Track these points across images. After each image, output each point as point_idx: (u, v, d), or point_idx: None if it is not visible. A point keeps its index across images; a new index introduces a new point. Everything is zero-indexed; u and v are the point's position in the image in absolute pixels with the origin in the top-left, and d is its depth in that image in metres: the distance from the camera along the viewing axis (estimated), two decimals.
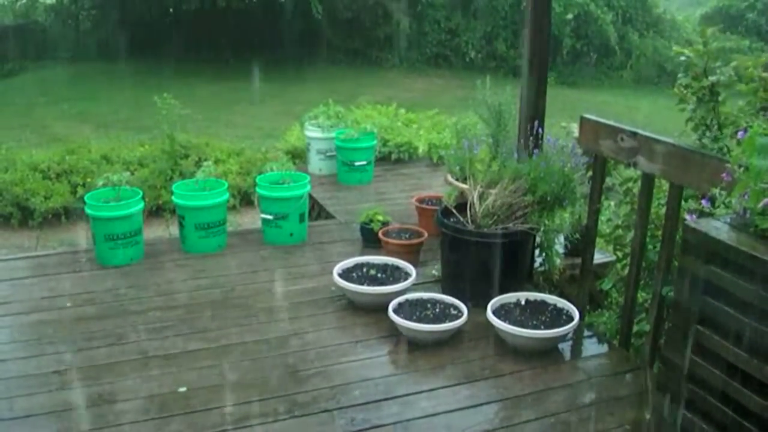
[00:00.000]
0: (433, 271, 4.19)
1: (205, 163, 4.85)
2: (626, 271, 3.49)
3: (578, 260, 3.84)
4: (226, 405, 2.94)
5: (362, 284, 3.80)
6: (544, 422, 2.89)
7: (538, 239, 3.98)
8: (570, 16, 15.58)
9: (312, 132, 6.19)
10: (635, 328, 3.49)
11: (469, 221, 3.82)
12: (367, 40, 16.25)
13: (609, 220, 3.89)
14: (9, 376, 3.14)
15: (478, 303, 3.61)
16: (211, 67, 14.52)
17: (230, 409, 2.91)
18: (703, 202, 2.54)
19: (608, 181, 3.81)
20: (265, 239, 4.73)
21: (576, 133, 3.92)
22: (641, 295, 3.52)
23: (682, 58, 3.48)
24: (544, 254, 4.08)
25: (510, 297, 3.63)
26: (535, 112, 3.93)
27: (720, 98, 3.38)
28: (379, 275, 3.94)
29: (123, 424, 2.82)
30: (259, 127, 10.35)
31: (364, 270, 3.99)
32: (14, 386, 3.06)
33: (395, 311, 3.52)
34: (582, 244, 3.80)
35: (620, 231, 3.74)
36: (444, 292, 3.79)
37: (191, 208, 4.48)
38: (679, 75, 3.55)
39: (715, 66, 3.39)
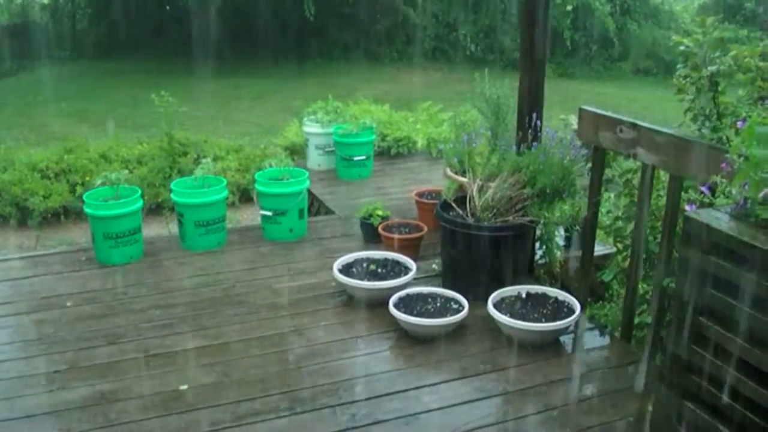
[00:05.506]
0: (434, 266, 4.18)
1: (203, 161, 4.84)
2: (627, 262, 3.48)
3: (578, 252, 3.83)
4: (228, 402, 2.93)
5: (362, 279, 3.80)
6: (547, 415, 2.89)
7: (538, 232, 3.97)
8: (569, 7, 15.54)
9: (310, 127, 6.18)
10: (637, 320, 3.48)
11: (469, 215, 3.81)
12: (365, 34, 16.21)
13: (609, 211, 3.88)
14: (10, 376, 3.14)
15: (478, 297, 3.60)
16: (208, 64, 14.46)
17: (231, 406, 2.91)
18: (704, 189, 2.53)
19: (608, 172, 3.80)
20: (265, 235, 4.73)
21: (575, 125, 3.91)
22: (642, 287, 3.51)
23: (682, 48, 3.46)
24: (544, 247, 4.07)
25: (511, 290, 3.62)
26: (533, 105, 3.92)
27: (719, 88, 3.37)
28: (379, 270, 3.93)
29: (124, 422, 2.81)
30: (258, 124, 10.34)
31: (364, 265, 3.98)
32: (15, 386, 3.06)
33: (396, 306, 3.52)
34: (582, 236, 3.79)
35: (620, 222, 3.73)
36: (444, 286, 3.79)
37: (190, 206, 4.47)
38: (678, 65, 3.53)
39: (714, 56, 3.37)
